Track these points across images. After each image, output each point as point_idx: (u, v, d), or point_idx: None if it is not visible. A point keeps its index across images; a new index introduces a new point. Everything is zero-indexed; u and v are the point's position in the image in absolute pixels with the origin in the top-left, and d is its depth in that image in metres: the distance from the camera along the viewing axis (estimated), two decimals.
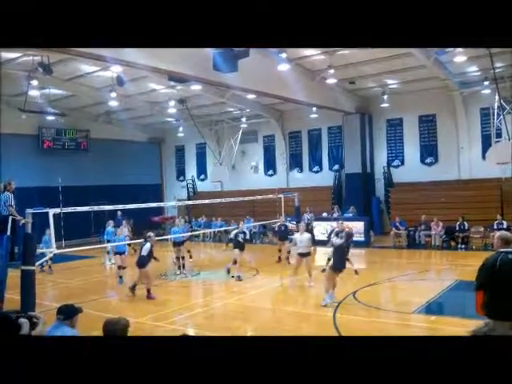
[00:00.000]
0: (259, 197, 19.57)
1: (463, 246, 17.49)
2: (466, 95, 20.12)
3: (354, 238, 13.51)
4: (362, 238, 19.05)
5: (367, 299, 10.48)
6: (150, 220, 23.80)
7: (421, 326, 8.78)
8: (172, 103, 22.24)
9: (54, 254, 11.93)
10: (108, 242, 15.95)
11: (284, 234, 16.20)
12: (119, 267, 13.98)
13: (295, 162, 25.69)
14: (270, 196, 19.49)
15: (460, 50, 15.03)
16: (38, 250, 11.27)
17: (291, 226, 17.24)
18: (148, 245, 11.76)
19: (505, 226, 16.08)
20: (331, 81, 17.95)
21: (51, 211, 10.65)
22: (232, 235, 14.07)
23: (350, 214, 20.06)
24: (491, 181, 19.15)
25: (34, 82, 16.90)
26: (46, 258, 12.59)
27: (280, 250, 16.01)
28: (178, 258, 15.06)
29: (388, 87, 20.67)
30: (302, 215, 20.04)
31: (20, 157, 21.83)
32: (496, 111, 18.51)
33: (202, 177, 29.21)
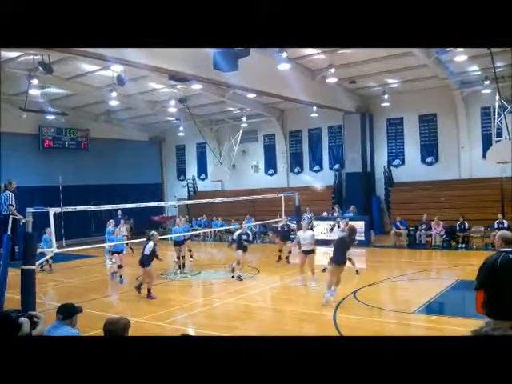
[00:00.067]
0: (259, 196, 19.57)
1: (464, 246, 17.49)
2: (467, 94, 20.11)
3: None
4: (363, 238, 19.03)
5: (368, 299, 10.48)
6: (151, 219, 23.83)
7: (421, 325, 8.78)
8: (172, 102, 22.26)
9: (55, 254, 11.94)
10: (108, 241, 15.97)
11: (286, 234, 16.18)
12: (119, 266, 14.00)
13: (296, 162, 25.70)
14: (270, 195, 19.49)
15: (460, 49, 15.02)
16: (39, 250, 11.28)
17: (293, 225, 17.21)
18: (151, 244, 11.69)
19: (505, 226, 16.09)
20: (332, 80, 17.95)
21: (51, 210, 10.64)
22: (235, 236, 13.95)
23: (351, 214, 20.05)
24: (492, 180, 19.15)
25: (35, 81, 16.90)
26: (47, 258, 12.60)
27: (281, 250, 15.99)
28: (178, 258, 15.07)
29: (388, 86, 20.66)
30: (302, 215, 20.05)
31: (20, 156, 21.85)
32: (497, 110, 18.49)
33: (203, 176, 29.21)
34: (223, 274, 14.23)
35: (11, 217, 9.97)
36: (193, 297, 12.45)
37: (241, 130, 25.91)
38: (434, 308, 10.11)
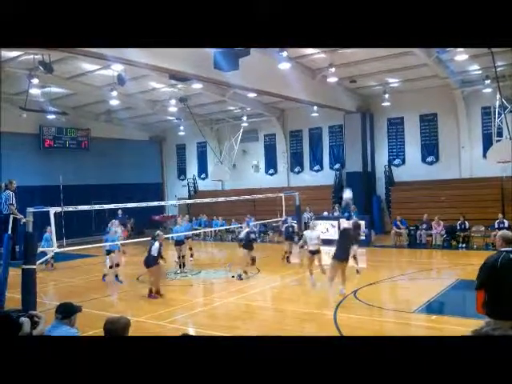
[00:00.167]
0: (260, 196, 19.56)
1: (464, 245, 17.48)
2: (467, 94, 20.10)
3: None
4: (363, 237, 19.01)
5: (368, 298, 10.49)
6: (151, 219, 23.84)
7: (421, 325, 8.79)
8: (173, 102, 22.27)
9: (55, 253, 11.94)
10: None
11: (291, 235, 16.14)
12: (117, 265, 14.00)
13: (296, 161, 25.69)
14: (271, 195, 19.48)
15: (461, 48, 15.00)
16: (39, 249, 11.28)
17: (297, 226, 17.13)
18: (157, 244, 11.61)
19: (506, 225, 16.08)
20: (332, 79, 17.94)
21: (52, 210, 10.64)
22: (243, 235, 13.90)
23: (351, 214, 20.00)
24: (492, 180, 19.13)
25: (35, 81, 16.90)
26: (48, 257, 12.59)
27: (291, 252, 15.78)
28: (179, 257, 15.07)
29: (389, 86, 20.65)
30: (302, 214, 20.03)
31: (21, 155, 21.86)
32: (497, 110, 18.49)
33: (203, 176, 29.22)
34: (223, 274, 14.23)
35: (12, 216, 9.97)
36: (193, 296, 12.45)
37: (241, 130, 25.91)
38: (435, 308, 10.11)
